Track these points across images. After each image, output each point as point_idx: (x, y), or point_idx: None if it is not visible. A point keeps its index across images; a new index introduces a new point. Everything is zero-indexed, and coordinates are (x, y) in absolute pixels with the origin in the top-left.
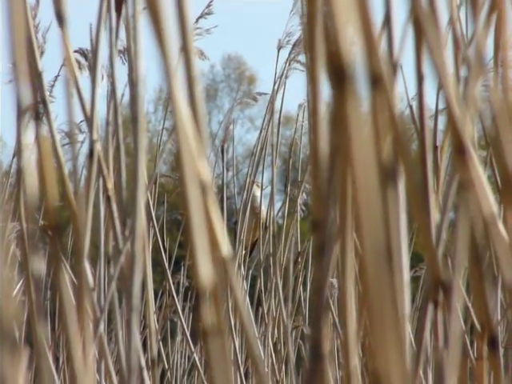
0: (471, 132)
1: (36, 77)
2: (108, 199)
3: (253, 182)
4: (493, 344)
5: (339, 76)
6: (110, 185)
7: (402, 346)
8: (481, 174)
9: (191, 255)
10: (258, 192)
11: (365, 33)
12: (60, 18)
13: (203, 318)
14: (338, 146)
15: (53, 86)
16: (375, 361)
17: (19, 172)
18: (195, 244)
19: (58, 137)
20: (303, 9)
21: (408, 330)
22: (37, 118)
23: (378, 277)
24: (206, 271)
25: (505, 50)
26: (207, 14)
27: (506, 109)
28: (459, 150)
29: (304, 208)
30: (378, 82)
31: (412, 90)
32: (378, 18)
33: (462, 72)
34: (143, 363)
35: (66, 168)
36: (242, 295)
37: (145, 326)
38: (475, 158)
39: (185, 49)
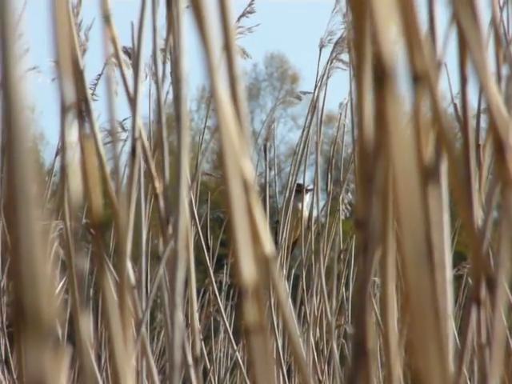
0: None
1: (78, 75)
2: (155, 198)
3: (298, 184)
4: None
5: (380, 74)
6: (157, 183)
7: (443, 345)
8: None
9: (234, 253)
10: (300, 196)
11: (408, 30)
12: (105, 14)
13: (246, 316)
14: (381, 144)
15: (96, 84)
16: (416, 360)
17: (63, 170)
18: (238, 242)
19: (99, 135)
20: (348, 7)
21: (452, 328)
22: (80, 116)
23: (418, 275)
24: (248, 269)
25: None
26: (249, 12)
27: None
28: (500, 149)
29: (349, 207)
30: (421, 80)
31: (455, 88)
32: (421, 16)
33: (504, 70)
34: (190, 360)
35: (108, 166)
36: (285, 293)
37: (187, 325)
38: None
39: (227, 47)
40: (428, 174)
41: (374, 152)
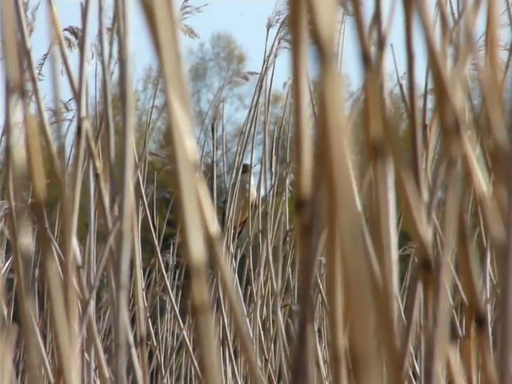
0: (461, 110)
1: (25, 55)
2: (97, 177)
3: (244, 165)
4: (479, 322)
5: (319, 55)
6: (99, 163)
7: (383, 323)
8: (471, 151)
9: (182, 233)
10: (247, 177)
11: (352, 11)
12: None
13: (194, 295)
14: (322, 125)
15: (42, 64)
16: (354, 337)
17: (8, 150)
18: (186, 222)
19: (45, 115)
20: None
21: (398, 308)
22: (24, 96)
23: (355, 253)
24: (197, 249)
25: (493, 29)
26: None
27: (495, 87)
28: (448, 127)
29: (291, 188)
30: (366, 61)
31: (402, 69)
32: None
33: (450, 50)
34: (131, 340)
35: (55, 146)
36: (230, 273)
37: (134, 304)
38: (465, 135)
39: (171, 25)
40: (375, 152)
41: (315, 134)
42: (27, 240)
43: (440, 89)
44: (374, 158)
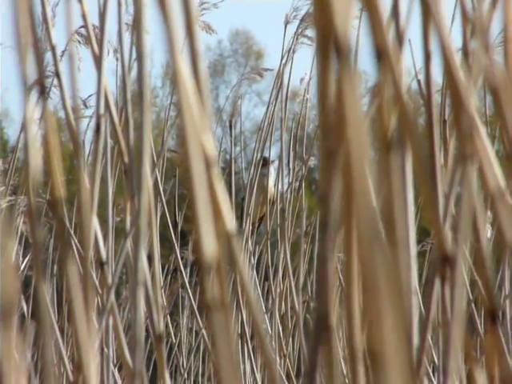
0: (476, 106)
1: (51, 50)
2: (125, 173)
3: (264, 158)
4: (493, 318)
5: (336, 51)
6: (127, 159)
7: (399, 321)
8: (487, 147)
9: (195, 229)
10: (265, 170)
11: (369, 5)
12: None
13: (206, 292)
14: (342, 120)
15: (60, 60)
16: (371, 333)
17: (27, 147)
18: (199, 218)
19: (70, 110)
20: None
21: (418, 303)
22: (42, 92)
23: (372, 250)
24: (209, 245)
25: (509, 26)
26: None
27: (510, 84)
28: (463, 125)
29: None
30: (383, 57)
31: (420, 64)
32: None
33: (471, 46)
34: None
35: (76, 142)
36: (247, 269)
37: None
38: (481, 131)
39: (188, 20)
40: (390, 148)
41: (335, 128)
42: (42, 236)
43: (454, 84)
44: (389, 154)
